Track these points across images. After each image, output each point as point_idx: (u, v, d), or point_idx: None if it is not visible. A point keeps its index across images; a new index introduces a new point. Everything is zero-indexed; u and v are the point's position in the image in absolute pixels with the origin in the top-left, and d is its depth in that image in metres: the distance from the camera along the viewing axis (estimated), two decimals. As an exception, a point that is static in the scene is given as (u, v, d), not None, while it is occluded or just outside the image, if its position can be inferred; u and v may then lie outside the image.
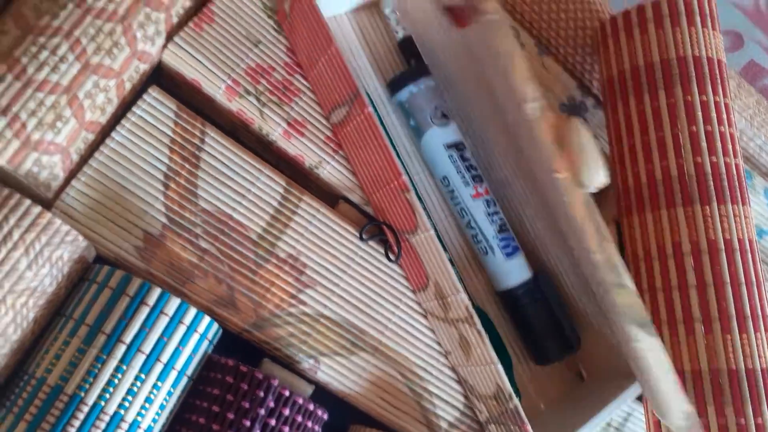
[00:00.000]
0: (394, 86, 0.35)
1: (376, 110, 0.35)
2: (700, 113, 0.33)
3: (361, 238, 0.33)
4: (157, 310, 0.27)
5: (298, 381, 0.32)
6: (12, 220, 0.26)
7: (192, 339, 0.28)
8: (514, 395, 0.30)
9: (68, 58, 0.28)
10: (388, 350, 0.33)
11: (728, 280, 0.31)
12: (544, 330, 0.34)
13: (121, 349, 0.26)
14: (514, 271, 0.34)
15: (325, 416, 0.30)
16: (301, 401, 0.29)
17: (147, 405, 0.27)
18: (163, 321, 0.27)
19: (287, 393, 0.29)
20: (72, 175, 0.29)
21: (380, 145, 0.31)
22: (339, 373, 0.32)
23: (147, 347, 0.27)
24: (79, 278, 0.29)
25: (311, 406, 0.29)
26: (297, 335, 0.32)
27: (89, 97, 0.29)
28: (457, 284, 0.30)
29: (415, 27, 0.36)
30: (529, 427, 0.30)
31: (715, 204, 0.32)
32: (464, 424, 0.34)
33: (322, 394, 0.32)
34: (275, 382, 0.28)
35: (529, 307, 0.34)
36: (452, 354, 0.33)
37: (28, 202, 0.26)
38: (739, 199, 0.33)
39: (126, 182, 0.30)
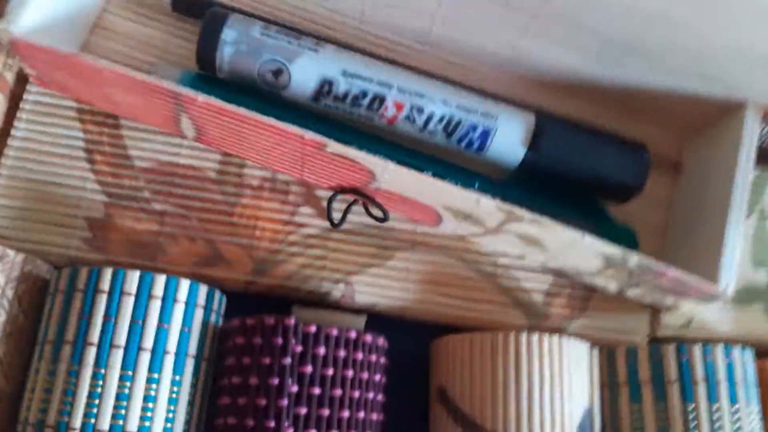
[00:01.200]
0: (204, 59, 0.24)
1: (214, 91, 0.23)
2: None
3: (333, 225, 0.24)
4: (116, 293, 0.22)
5: (343, 316, 0.26)
6: None
7: (175, 309, 0.22)
8: (630, 254, 0.21)
9: None
10: (431, 238, 0.26)
11: None
12: (600, 163, 0.24)
13: (91, 353, 0.21)
14: (513, 132, 0.24)
15: (381, 342, 0.24)
16: (353, 335, 0.22)
17: (150, 406, 0.21)
18: (128, 302, 0.22)
19: (335, 332, 0.22)
20: (-14, 192, 0.25)
21: (255, 122, 0.21)
22: (381, 287, 0.25)
23: (120, 339, 0.21)
24: (41, 299, 0.24)
25: (369, 338, 0.23)
26: (311, 264, 0.25)
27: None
28: (468, 200, 0.21)
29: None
30: (672, 272, 0.22)
31: None
32: (566, 288, 0.26)
33: (381, 319, 0.26)
34: (291, 322, 0.22)
35: (560, 159, 0.24)
36: (527, 255, 0.25)
37: (-71, 235, 0.22)
38: None
39: (47, 175, 0.25)
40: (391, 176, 0.21)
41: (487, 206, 0.20)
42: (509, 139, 0.24)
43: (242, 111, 0.20)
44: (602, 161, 0.24)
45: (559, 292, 0.26)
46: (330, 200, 0.24)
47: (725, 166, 0.24)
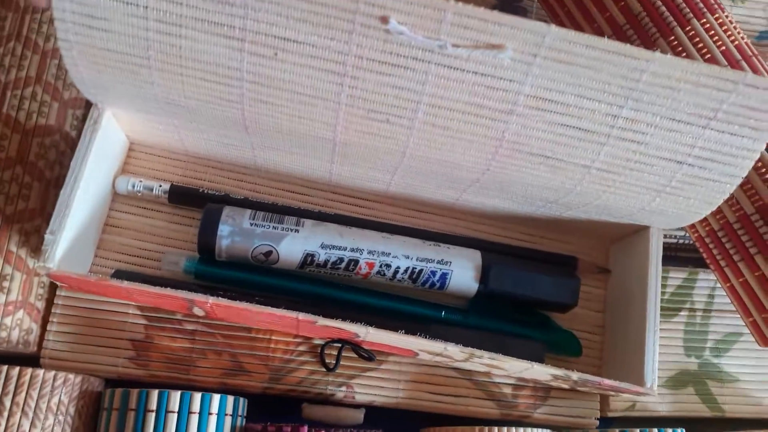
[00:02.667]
0: (205, 250, 0.28)
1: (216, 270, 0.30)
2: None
3: (328, 370, 0.30)
4: (162, 411, 0.27)
5: (345, 411, 0.31)
6: (-1, 390, 0.27)
7: (210, 421, 0.27)
8: (570, 373, 0.26)
9: (-14, 221, 0.28)
10: (417, 342, 0.31)
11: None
12: (540, 289, 0.29)
13: (145, 464, 0.26)
14: (466, 273, 0.29)
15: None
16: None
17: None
18: (172, 419, 0.27)
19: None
20: (46, 320, 0.30)
21: (253, 312, 0.26)
22: (377, 387, 0.30)
23: (166, 451, 0.26)
24: (96, 409, 0.29)
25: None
26: (318, 370, 0.30)
27: (24, 245, 0.29)
28: (437, 347, 0.26)
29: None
30: (607, 382, 0.27)
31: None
32: (530, 381, 0.31)
33: (377, 411, 0.31)
34: (304, 429, 0.27)
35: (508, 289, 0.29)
36: (492, 372, 0.31)
37: (4, 368, 0.27)
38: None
39: (96, 303, 0.30)
40: (373, 335, 0.26)
41: (453, 350, 0.26)
42: (463, 278, 0.29)
43: (245, 305, 0.24)
44: (541, 288, 0.29)
45: (525, 385, 0.31)
46: (322, 349, 0.29)
47: (641, 277, 0.29)
